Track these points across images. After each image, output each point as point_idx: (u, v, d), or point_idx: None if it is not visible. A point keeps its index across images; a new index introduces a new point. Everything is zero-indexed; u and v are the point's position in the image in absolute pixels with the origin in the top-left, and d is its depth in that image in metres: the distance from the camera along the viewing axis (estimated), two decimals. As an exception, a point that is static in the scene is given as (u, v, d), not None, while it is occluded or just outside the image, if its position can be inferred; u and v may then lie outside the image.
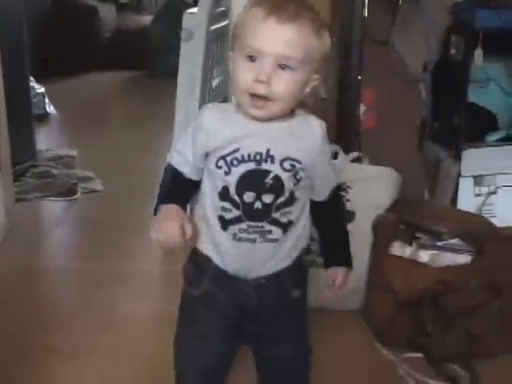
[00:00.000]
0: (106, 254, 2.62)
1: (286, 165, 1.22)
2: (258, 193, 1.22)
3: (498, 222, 2.36)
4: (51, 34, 5.45)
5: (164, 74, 5.05)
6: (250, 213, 1.23)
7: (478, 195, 2.59)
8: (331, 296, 1.47)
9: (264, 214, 1.23)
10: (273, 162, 1.21)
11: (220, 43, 2.71)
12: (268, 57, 1.14)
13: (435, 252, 2.07)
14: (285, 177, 1.22)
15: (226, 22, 2.60)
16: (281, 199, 1.23)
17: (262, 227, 1.24)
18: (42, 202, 3.16)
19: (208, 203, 1.27)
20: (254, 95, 1.17)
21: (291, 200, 1.24)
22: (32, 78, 3.92)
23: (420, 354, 1.97)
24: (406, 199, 2.27)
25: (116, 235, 2.78)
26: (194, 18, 2.53)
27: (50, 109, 4.51)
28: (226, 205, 1.24)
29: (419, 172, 2.54)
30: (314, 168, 1.27)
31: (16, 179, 3.12)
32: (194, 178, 1.29)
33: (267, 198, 1.22)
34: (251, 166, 1.21)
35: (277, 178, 1.22)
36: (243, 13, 1.19)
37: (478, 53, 2.34)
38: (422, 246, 2.10)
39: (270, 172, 1.21)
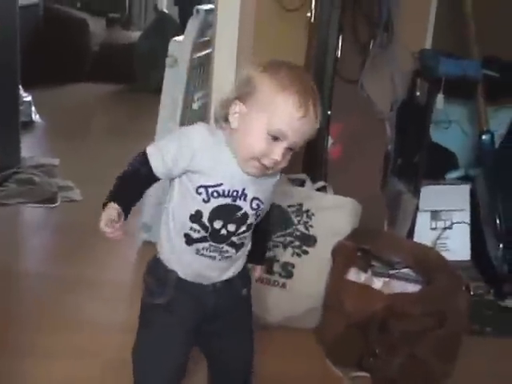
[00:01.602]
0: (79, 262, 2.74)
1: (254, 204, 1.43)
2: (225, 222, 1.42)
3: (450, 255, 2.52)
4: (41, 44, 5.51)
5: (147, 89, 5.20)
6: (215, 236, 1.43)
7: (434, 229, 2.74)
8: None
9: (226, 238, 1.44)
10: (245, 200, 1.41)
11: (202, 70, 2.85)
12: (288, 141, 1.32)
13: (387, 280, 2.22)
14: (250, 213, 1.43)
15: (209, 51, 2.74)
16: (242, 229, 1.44)
17: (222, 248, 1.45)
18: (23, 208, 3.26)
19: (176, 219, 1.44)
20: (262, 164, 1.35)
21: (248, 229, 1.46)
22: (19, 86, 3.94)
23: (367, 374, 2.10)
24: (365, 229, 2.42)
25: (91, 244, 2.86)
26: (179, 46, 2.67)
27: (36, 117, 4.58)
28: (196, 226, 1.42)
29: (380, 203, 2.68)
30: (268, 202, 1.49)
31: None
32: (162, 178, 1.42)
33: (231, 227, 1.43)
34: (228, 200, 1.40)
35: (245, 214, 1.42)
36: (275, 93, 1.30)
37: (440, 97, 2.50)
38: (376, 274, 2.25)
39: (242, 208, 1.42)
